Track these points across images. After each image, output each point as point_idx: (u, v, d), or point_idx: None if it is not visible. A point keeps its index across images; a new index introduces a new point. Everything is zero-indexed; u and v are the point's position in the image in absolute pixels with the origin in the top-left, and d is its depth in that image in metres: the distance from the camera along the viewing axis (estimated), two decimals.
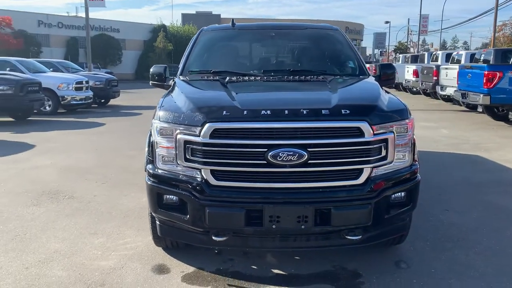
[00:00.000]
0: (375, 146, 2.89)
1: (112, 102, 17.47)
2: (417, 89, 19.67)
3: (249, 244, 3.12)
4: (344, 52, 4.48)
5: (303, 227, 2.83)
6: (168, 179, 3.03)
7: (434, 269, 3.34)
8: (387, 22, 68.11)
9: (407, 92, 22.32)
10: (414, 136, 3.29)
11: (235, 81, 3.78)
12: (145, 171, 3.20)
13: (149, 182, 3.12)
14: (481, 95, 10.59)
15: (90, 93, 15.17)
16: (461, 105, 14.46)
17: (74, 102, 14.45)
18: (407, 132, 3.09)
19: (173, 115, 3.02)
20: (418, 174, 3.23)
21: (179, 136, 2.93)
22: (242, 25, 4.78)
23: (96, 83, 16.48)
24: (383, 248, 3.67)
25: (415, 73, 18.97)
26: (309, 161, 2.80)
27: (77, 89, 14.51)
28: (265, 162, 2.79)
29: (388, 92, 3.62)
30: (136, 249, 3.68)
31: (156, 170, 3.10)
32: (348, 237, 2.93)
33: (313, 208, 2.81)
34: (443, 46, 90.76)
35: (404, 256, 3.58)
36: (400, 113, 3.09)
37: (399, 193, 3.10)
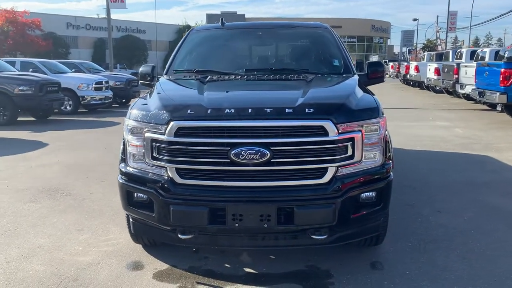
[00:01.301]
0: (340, 145, 2.86)
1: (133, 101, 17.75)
2: (439, 88, 19.23)
3: (219, 242, 3.14)
4: (330, 50, 4.44)
5: (265, 225, 2.82)
6: (137, 177, 3.08)
7: (409, 271, 3.28)
8: (415, 20, 66.57)
9: (430, 91, 21.84)
10: (387, 135, 3.24)
11: (215, 80, 3.80)
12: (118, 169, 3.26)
13: (120, 180, 3.19)
14: (498, 94, 10.28)
15: (109, 93, 15.50)
16: (482, 104, 14.05)
17: (94, 102, 14.80)
18: (377, 131, 3.04)
19: (142, 114, 3.08)
20: (390, 174, 3.17)
21: (146, 135, 2.98)
22: (231, 25, 4.80)
23: (117, 83, 16.85)
24: (361, 249, 3.62)
25: (437, 71, 18.53)
26: (272, 160, 2.80)
27: (96, 89, 14.86)
28: (228, 160, 2.80)
29: (368, 92, 3.56)
30: (117, 246, 3.75)
31: (127, 168, 3.17)
32: (314, 237, 2.91)
33: (275, 207, 2.80)
34: (475, 44, 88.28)
35: (381, 257, 3.52)
36: (370, 112, 3.05)
37: (369, 193, 3.05)
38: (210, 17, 54.87)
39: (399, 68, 32.12)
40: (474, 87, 12.27)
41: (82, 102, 14.57)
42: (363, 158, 2.99)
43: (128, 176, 3.14)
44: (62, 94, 13.50)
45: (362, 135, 2.95)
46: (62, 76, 14.70)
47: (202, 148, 2.84)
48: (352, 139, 2.90)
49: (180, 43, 4.59)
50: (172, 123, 2.86)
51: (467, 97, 15.09)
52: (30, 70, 14.41)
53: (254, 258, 3.50)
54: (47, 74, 14.48)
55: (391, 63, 39.33)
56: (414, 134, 9.47)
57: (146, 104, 3.19)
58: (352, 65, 4.28)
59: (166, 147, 2.90)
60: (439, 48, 57.86)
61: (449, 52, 23.08)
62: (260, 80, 3.81)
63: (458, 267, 3.32)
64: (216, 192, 2.88)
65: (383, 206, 3.10)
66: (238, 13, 59.28)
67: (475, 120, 11.78)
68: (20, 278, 3.20)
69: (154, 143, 2.95)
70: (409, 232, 4.01)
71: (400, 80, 31.28)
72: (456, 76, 15.15)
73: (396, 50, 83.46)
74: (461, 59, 18.49)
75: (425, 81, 20.97)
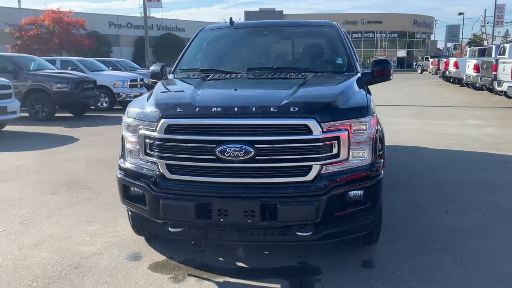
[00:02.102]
0: (324, 143, 2.88)
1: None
2: (479, 85, 18.52)
3: (209, 236, 3.24)
4: (334, 49, 4.44)
5: (249, 221, 2.90)
6: (132, 172, 3.23)
7: (400, 270, 3.26)
8: (460, 14, 64.08)
9: (469, 88, 21.06)
10: (378, 134, 3.23)
11: (216, 79, 3.91)
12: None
13: (118, 175, 3.35)
14: None
15: (144, 90, 15.92)
16: None
17: (129, 99, 15.26)
18: (366, 130, 3.04)
19: (138, 112, 3.22)
20: (380, 172, 3.17)
21: (140, 131, 3.13)
22: (240, 24, 4.89)
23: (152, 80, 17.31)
24: (356, 247, 3.62)
25: (476, 68, 17.86)
26: (257, 157, 2.86)
27: (131, 86, 15.37)
28: (214, 157, 2.89)
29: (365, 90, 3.55)
30: (121, 237, 3.93)
31: (124, 163, 3.33)
32: (299, 234, 2.96)
33: (259, 203, 2.87)
34: None
35: (375, 256, 3.51)
36: (357, 111, 3.05)
37: (357, 191, 3.05)
38: (248, 14, 55.15)
39: (438, 64, 31.12)
40: (510, 84, 11.77)
41: (117, 99, 15.12)
42: (351, 156, 3.00)
43: (125, 171, 3.30)
44: (98, 91, 14.06)
45: (349, 134, 2.96)
46: (99, 74, 15.29)
47: (190, 145, 2.95)
48: (337, 138, 2.92)
49: (189, 42, 4.73)
50: (162, 120, 2.99)
51: (506, 95, 14.48)
52: (69, 68, 15.06)
53: (248, 253, 3.59)
54: (85, 72, 15.10)
55: (431, 59, 38.08)
56: (442, 133, 9.23)
57: (143, 102, 3.33)
58: (356, 63, 4.26)
59: (157, 143, 3.03)
60: (485, 43, 55.58)
61: (492, 47, 22.16)
62: (259, 78, 3.87)
63: (452, 268, 3.27)
64: (203, 188, 2.98)
65: (372, 205, 3.09)
66: (276, 9, 59.18)
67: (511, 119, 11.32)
68: (27, 264, 3.43)
69: (147, 140, 3.09)
70: (411, 231, 3.97)
71: (440, 77, 30.32)
72: (495, 73, 14.56)
73: (441, 45, 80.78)
74: (504, 54, 17.73)
75: (464, 77, 20.24)
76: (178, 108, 3.04)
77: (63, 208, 4.74)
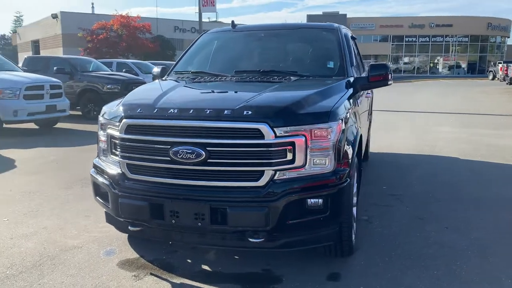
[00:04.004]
0: (277, 148, 2.81)
1: None
2: None
3: (172, 237, 3.27)
4: (328, 52, 4.30)
5: (199, 224, 2.89)
6: (101, 170, 3.34)
7: (365, 286, 3.09)
8: None
9: None
10: (344, 141, 3.07)
11: (197, 81, 3.95)
12: None
13: (91, 173, 3.47)
14: None
15: None
16: None
17: None
18: (327, 136, 2.92)
19: (108, 112, 3.32)
20: (345, 181, 3.01)
21: (108, 131, 3.23)
22: (241, 27, 4.89)
23: None
24: (330, 259, 3.47)
25: None
26: (209, 160, 2.85)
27: None
28: (169, 158, 2.92)
29: (344, 96, 3.41)
30: (107, 233, 4.06)
31: (97, 161, 3.45)
32: (251, 240, 2.90)
33: (209, 206, 2.85)
34: None
35: (346, 269, 3.34)
36: (317, 117, 2.93)
37: (316, 200, 2.93)
38: (311, 18, 54.85)
39: (507, 70, 29.07)
40: None
41: None
42: (310, 163, 2.90)
43: (96, 168, 3.42)
44: None
45: (306, 140, 2.86)
46: (150, 76, 15.92)
47: (147, 145, 3.00)
48: (292, 144, 2.83)
49: (190, 45, 4.80)
50: (123, 120, 3.07)
51: None
52: (124, 70, 15.83)
53: (218, 257, 3.57)
54: (137, 74, 15.79)
55: (500, 65, 35.57)
56: (483, 143, 8.63)
57: (115, 102, 3.43)
58: (350, 67, 4.09)
59: (119, 143, 3.11)
60: None
61: None
62: (240, 81, 3.84)
63: None
64: (158, 188, 3.01)
65: (332, 214, 2.95)
66: (340, 13, 58.31)
67: None
68: (11, 253, 3.64)
69: (112, 139, 3.18)
70: (397, 246, 3.75)
71: (507, 84, 28.28)
72: None
73: None
74: None
75: None
76: (139, 109, 3.10)
77: (68, 202, 4.99)
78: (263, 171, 2.84)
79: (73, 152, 7.97)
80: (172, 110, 2.98)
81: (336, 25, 4.65)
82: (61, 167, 6.76)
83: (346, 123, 3.17)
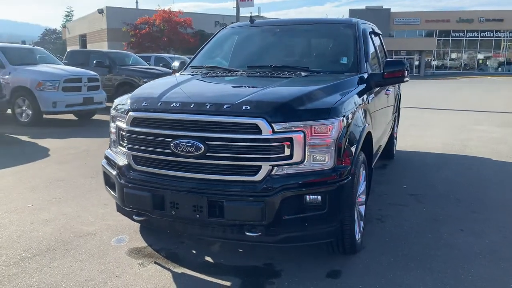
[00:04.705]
0: (275, 144, 2.82)
1: None
2: None
3: (175, 228, 3.34)
4: (342, 47, 4.24)
5: (198, 216, 2.94)
6: (110, 161, 3.46)
7: (363, 285, 3.05)
8: None
9: None
10: (347, 139, 3.03)
11: (214, 75, 3.99)
12: None
13: (102, 163, 3.61)
14: None
15: None
16: None
17: None
18: (327, 133, 2.90)
19: (118, 105, 3.44)
20: (345, 178, 2.98)
21: (117, 123, 3.35)
22: (258, 22, 4.89)
23: None
24: (334, 255, 3.45)
25: None
26: (208, 154, 2.90)
27: None
28: (170, 151, 2.99)
29: (350, 92, 3.36)
30: (120, 222, 4.20)
31: (108, 152, 3.58)
32: (248, 234, 2.93)
33: (206, 199, 2.90)
34: None
35: (348, 267, 3.31)
36: (317, 113, 2.91)
37: (314, 196, 2.92)
38: (353, 13, 53.84)
39: None
40: None
41: None
42: (310, 159, 2.89)
43: (107, 159, 3.55)
44: None
45: (305, 136, 2.85)
46: None
47: (150, 138, 3.08)
48: (290, 139, 2.83)
49: (207, 40, 4.86)
50: (129, 113, 3.16)
51: None
52: (161, 64, 16.18)
53: (223, 249, 3.62)
54: None
55: None
56: None
57: (125, 96, 3.54)
58: (364, 63, 4.02)
59: (125, 135, 3.21)
60: None
61: None
62: (251, 76, 3.85)
63: None
64: (160, 180, 3.08)
65: (330, 211, 2.93)
66: (384, 7, 56.85)
67: None
68: (29, 236, 3.85)
69: (120, 131, 3.30)
70: (405, 246, 3.67)
71: None
72: None
73: None
74: None
75: None
76: (144, 103, 3.18)
77: (91, 191, 5.19)
78: (260, 166, 2.86)
79: (105, 143, 8.19)
80: (174, 104, 3.05)
81: (354, 20, 4.56)
82: (91, 157, 7.03)
83: (350, 120, 3.13)
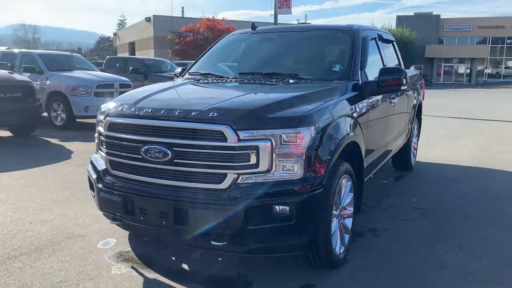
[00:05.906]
0: (240, 152, 2.77)
1: None
2: None
3: (150, 233, 3.36)
4: (336, 55, 4.12)
5: (164, 223, 2.94)
6: (93, 165, 3.53)
7: None
8: None
9: None
10: (319, 148, 2.93)
11: (205, 82, 4.00)
12: None
13: (87, 167, 3.69)
14: None
15: None
16: None
17: None
18: (296, 142, 2.81)
19: (102, 109, 3.50)
20: (315, 189, 2.88)
21: (98, 128, 3.41)
22: (259, 29, 4.85)
23: None
24: (312, 269, 3.33)
25: None
26: (175, 160, 2.89)
27: None
28: (141, 156, 3.01)
29: (330, 101, 3.26)
30: (114, 225, 4.20)
31: (93, 157, 3.66)
32: (213, 242, 2.89)
33: (172, 206, 2.89)
34: None
35: (322, 282, 3.18)
36: (286, 122, 2.83)
37: (282, 207, 2.84)
38: (400, 19, 52.61)
39: None
40: None
41: None
42: (278, 169, 2.82)
43: (91, 163, 3.62)
44: None
45: (272, 144, 2.78)
46: None
47: (123, 143, 3.12)
48: (256, 148, 2.77)
49: (208, 48, 4.88)
50: (107, 118, 3.22)
51: None
52: None
53: (202, 257, 3.59)
54: None
55: None
56: None
57: (109, 101, 3.60)
58: (358, 71, 3.89)
59: (104, 140, 3.27)
60: None
61: None
62: (240, 84, 3.82)
63: None
64: (131, 185, 3.11)
65: (300, 223, 2.83)
66: (433, 13, 55.11)
67: None
68: (23, 236, 3.99)
69: (100, 136, 3.36)
70: (392, 263, 3.49)
71: None
72: None
73: None
74: None
75: None
76: (121, 108, 3.23)
77: None
78: (226, 174, 2.81)
79: None
80: (147, 109, 3.07)
81: (356, 26, 4.42)
82: None
83: (326, 129, 3.03)
